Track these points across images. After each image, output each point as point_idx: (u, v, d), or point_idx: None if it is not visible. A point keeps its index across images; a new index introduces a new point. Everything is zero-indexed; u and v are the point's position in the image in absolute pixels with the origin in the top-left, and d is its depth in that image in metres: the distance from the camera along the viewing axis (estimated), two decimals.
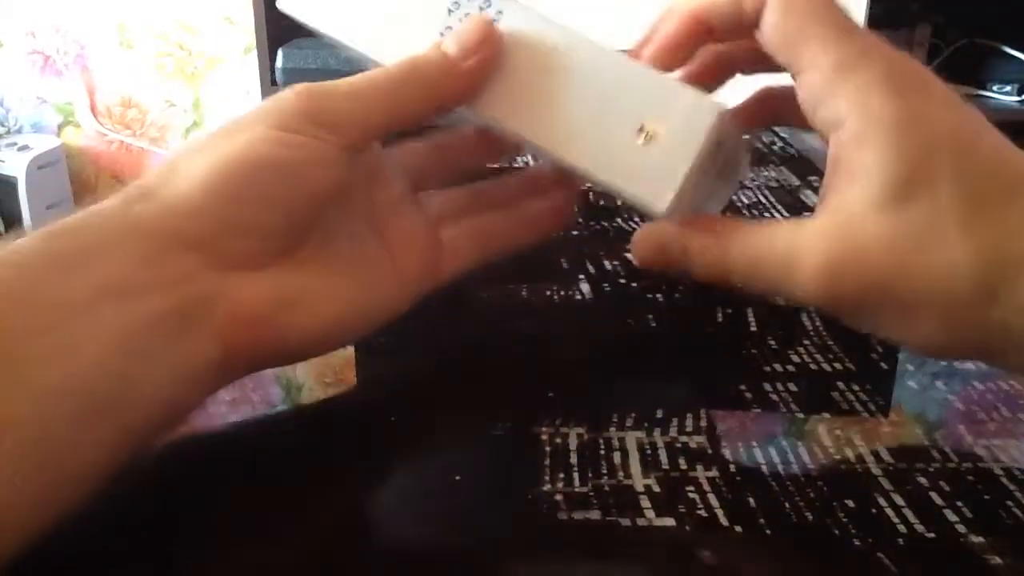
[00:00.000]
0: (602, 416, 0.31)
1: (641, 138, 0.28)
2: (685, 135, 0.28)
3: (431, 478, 0.29)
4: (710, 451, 0.29)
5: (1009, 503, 0.26)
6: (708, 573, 0.24)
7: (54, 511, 0.22)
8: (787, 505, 0.26)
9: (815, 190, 0.55)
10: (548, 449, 0.29)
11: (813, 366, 0.34)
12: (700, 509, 0.26)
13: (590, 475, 0.28)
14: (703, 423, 0.31)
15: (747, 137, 0.30)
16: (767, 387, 0.33)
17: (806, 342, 0.36)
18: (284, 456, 0.29)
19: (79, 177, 1.93)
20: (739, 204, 0.53)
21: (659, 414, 0.31)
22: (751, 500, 0.26)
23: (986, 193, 0.24)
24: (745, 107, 0.32)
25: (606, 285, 0.41)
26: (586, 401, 0.32)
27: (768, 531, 0.25)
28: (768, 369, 0.34)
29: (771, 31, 0.27)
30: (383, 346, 0.35)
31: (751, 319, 0.38)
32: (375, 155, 0.32)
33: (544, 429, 0.30)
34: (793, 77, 0.27)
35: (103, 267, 0.24)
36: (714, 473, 0.28)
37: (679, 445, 0.29)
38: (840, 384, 0.33)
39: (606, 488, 0.27)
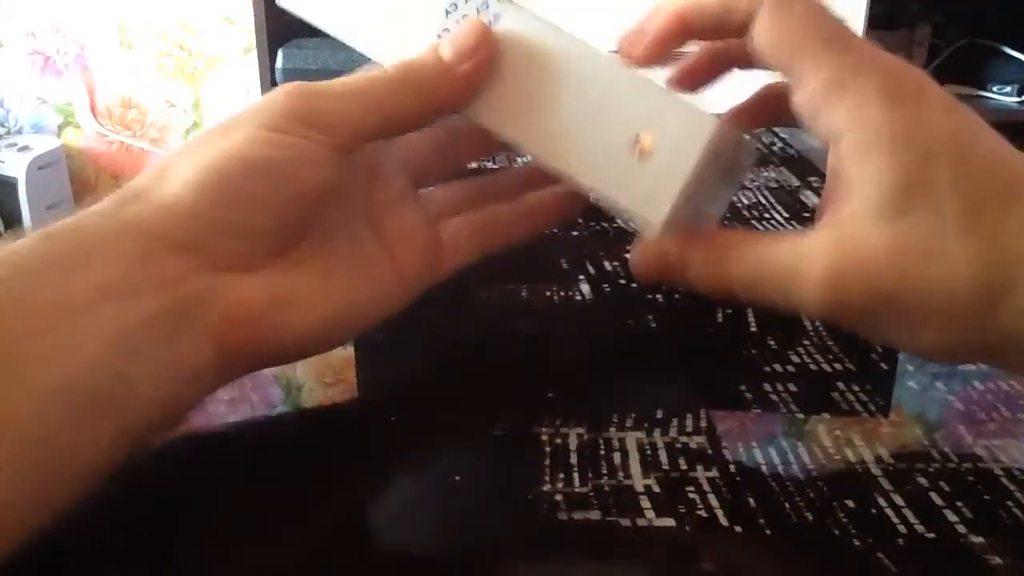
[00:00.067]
0: (602, 416, 0.31)
1: (636, 152, 0.28)
2: (680, 151, 0.27)
3: (431, 478, 0.29)
4: (710, 451, 0.29)
5: (1009, 503, 0.26)
6: (708, 573, 0.24)
7: (53, 509, 0.22)
8: (787, 505, 0.26)
9: (815, 190, 0.55)
10: (548, 449, 0.29)
11: (813, 366, 0.34)
12: (700, 509, 0.26)
13: (590, 475, 0.28)
14: (703, 423, 0.31)
15: (749, 137, 0.30)
16: (767, 387, 0.33)
17: (806, 342, 0.36)
18: (284, 456, 0.29)
19: (79, 177, 1.93)
20: (739, 205, 0.53)
21: (659, 414, 0.31)
22: (751, 500, 0.26)
23: (985, 198, 0.24)
24: (746, 107, 0.32)
25: (606, 285, 0.41)
26: (586, 401, 0.32)
27: (768, 531, 0.25)
28: (768, 369, 0.34)
29: (762, 43, 0.27)
30: (383, 346, 0.35)
31: (751, 319, 0.38)
32: (374, 152, 0.32)
33: (544, 429, 0.30)
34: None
35: (100, 267, 0.24)
36: (714, 473, 0.28)
37: (679, 445, 0.29)
38: (840, 384, 0.33)
39: (606, 488, 0.27)
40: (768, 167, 0.61)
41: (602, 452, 0.29)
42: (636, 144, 0.28)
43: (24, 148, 1.80)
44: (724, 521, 0.26)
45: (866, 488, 0.27)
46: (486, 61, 0.28)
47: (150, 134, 1.91)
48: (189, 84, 1.86)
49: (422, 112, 0.29)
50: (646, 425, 0.30)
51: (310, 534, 0.26)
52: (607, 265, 0.43)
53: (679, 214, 0.28)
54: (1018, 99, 1.40)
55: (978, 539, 0.25)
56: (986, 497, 0.27)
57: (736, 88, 0.32)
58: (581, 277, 0.42)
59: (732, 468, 0.28)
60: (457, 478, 0.28)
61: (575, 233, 0.48)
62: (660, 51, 0.29)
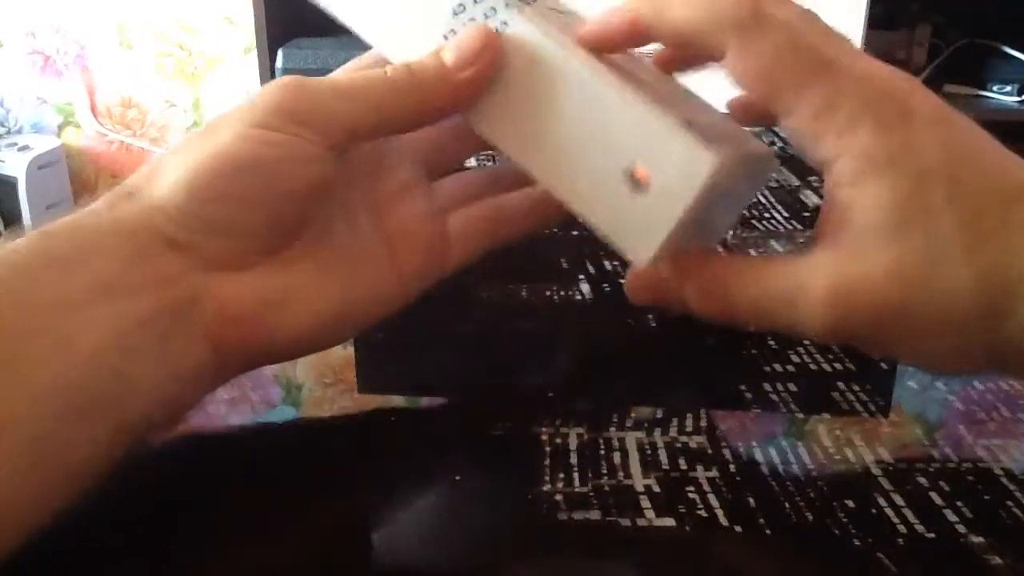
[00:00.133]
0: (602, 416, 0.31)
1: (630, 183, 0.26)
2: (675, 190, 0.25)
3: (431, 478, 0.29)
4: (710, 451, 0.29)
5: (1009, 503, 0.26)
6: (708, 573, 0.24)
7: (52, 508, 0.22)
8: (787, 505, 0.26)
9: (815, 190, 0.55)
10: (548, 449, 0.29)
11: (813, 366, 0.34)
12: (700, 509, 0.26)
13: (590, 475, 0.28)
14: (703, 423, 0.31)
15: (772, 152, 0.28)
16: (767, 387, 0.33)
17: (806, 342, 0.36)
18: (284, 456, 0.29)
19: (79, 177, 1.93)
20: None
21: (659, 414, 0.31)
22: (751, 500, 0.26)
23: (983, 210, 0.24)
24: (741, 104, 0.32)
25: (606, 285, 0.41)
26: (586, 401, 0.32)
27: (768, 531, 0.25)
28: (768, 369, 0.34)
29: (739, 78, 0.26)
30: (383, 345, 0.35)
31: None
32: (380, 141, 0.31)
33: (544, 429, 0.30)
34: None
35: (97, 266, 0.24)
36: (714, 473, 0.28)
37: (679, 445, 0.29)
38: (840, 384, 0.33)
39: (606, 488, 0.27)
40: None
41: (602, 452, 0.29)
42: (631, 174, 0.26)
43: (24, 148, 1.81)
44: (724, 521, 0.26)
45: (866, 488, 0.27)
46: (488, 69, 0.28)
47: (150, 134, 1.91)
48: (189, 84, 1.86)
49: (419, 115, 0.28)
50: (646, 425, 0.30)
51: (310, 534, 0.26)
52: (607, 265, 0.43)
53: (671, 246, 0.26)
54: (1018, 99, 1.40)
55: (978, 539, 0.25)
56: (986, 497, 0.27)
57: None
58: (581, 277, 0.42)
59: (732, 468, 0.28)
60: (457, 478, 0.28)
61: (575, 233, 0.48)
62: (609, 48, 0.28)
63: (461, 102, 0.28)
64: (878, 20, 1.26)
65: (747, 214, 0.51)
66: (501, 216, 0.33)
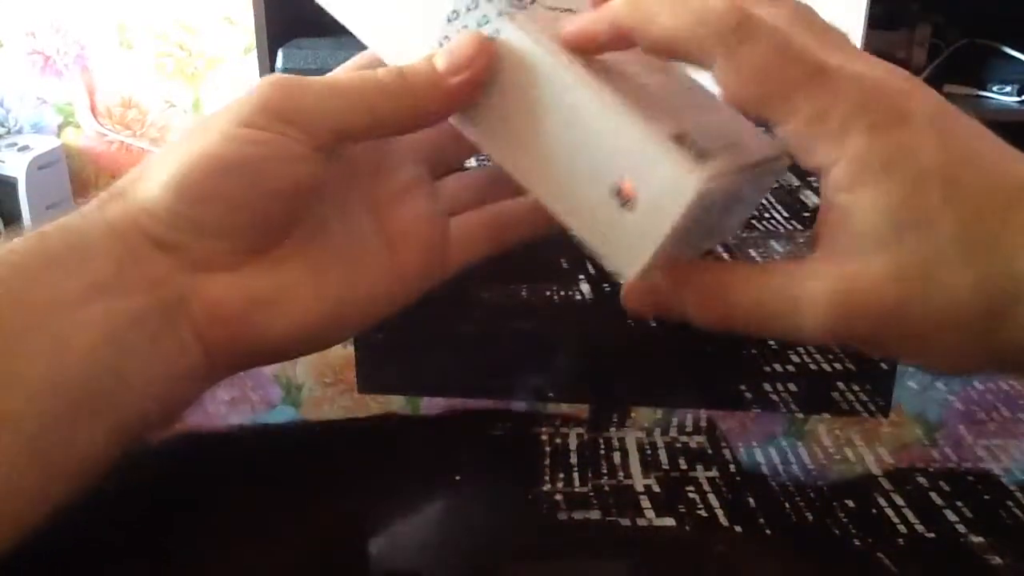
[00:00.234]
0: (602, 416, 0.31)
1: (617, 198, 0.26)
2: (662, 207, 0.25)
3: (431, 478, 0.29)
4: (710, 451, 0.29)
5: (1009, 503, 0.26)
6: (708, 573, 0.24)
7: (49, 505, 0.23)
8: (787, 505, 0.26)
9: (815, 190, 0.55)
10: (548, 449, 0.29)
11: (813, 366, 0.34)
12: (700, 509, 0.26)
13: (590, 475, 0.28)
14: (703, 423, 0.31)
15: (781, 155, 0.28)
16: (767, 387, 0.33)
17: None
18: (283, 456, 0.29)
19: (79, 177, 1.93)
20: None
21: (659, 414, 0.31)
22: (751, 500, 0.26)
23: (983, 212, 0.24)
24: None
25: (606, 285, 0.41)
26: (586, 401, 0.32)
27: (768, 531, 0.25)
28: (768, 369, 0.34)
29: (728, 90, 0.25)
30: (383, 346, 0.35)
31: None
32: (380, 143, 0.31)
33: (544, 429, 0.30)
34: None
35: (90, 266, 0.24)
36: (714, 473, 0.28)
37: (679, 445, 0.29)
38: (840, 384, 0.33)
39: (606, 488, 0.27)
40: None
41: (602, 452, 0.29)
42: (618, 189, 0.26)
43: (24, 148, 1.80)
44: (724, 521, 0.26)
45: (866, 488, 0.27)
46: (480, 75, 0.27)
47: (150, 134, 1.91)
48: (189, 84, 1.86)
49: (410, 118, 0.28)
50: (646, 425, 0.30)
51: (310, 534, 0.26)
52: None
53: (661, 260, 0.26)
54: (1018, 99, 1.39)
55: (978, 539, 0.25)
56: (986, 497, 0.27)
57: None
58: (581, 277, 0.42)
59: (732, 468, 0.28)
60: (457, 478, 0.28)
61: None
62: (593, 51, 0.27)
63: (452, 107, 0.28)
64: (878, 20, 1.26)
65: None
66: (503, 222, 0.33)
